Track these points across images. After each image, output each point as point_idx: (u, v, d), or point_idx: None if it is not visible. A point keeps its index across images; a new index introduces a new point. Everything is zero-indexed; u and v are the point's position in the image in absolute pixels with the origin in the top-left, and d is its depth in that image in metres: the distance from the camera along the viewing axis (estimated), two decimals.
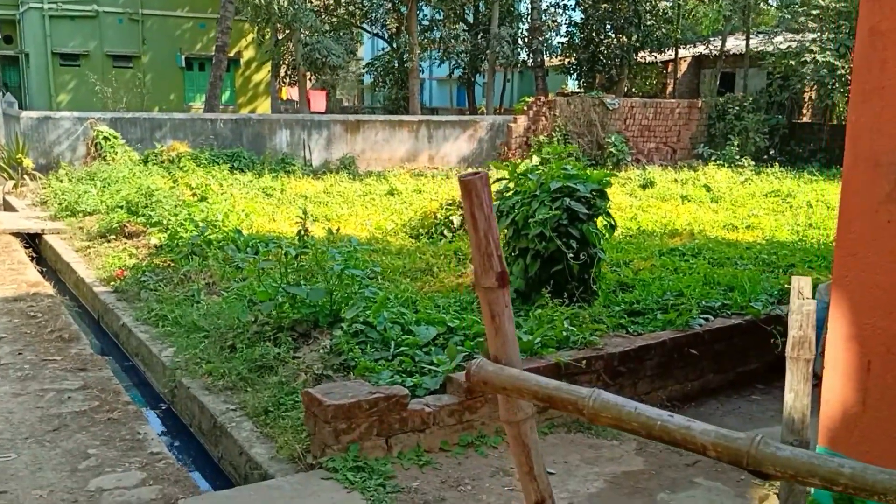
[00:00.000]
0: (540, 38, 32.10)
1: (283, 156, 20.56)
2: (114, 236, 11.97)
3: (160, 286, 8.90)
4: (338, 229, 8.06)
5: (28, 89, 34.16)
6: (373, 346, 6.13)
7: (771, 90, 27.67)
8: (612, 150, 23.89)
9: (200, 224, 10.29)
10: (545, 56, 33.62)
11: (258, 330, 6.92)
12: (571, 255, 7.22)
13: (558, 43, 33.55)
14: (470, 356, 5.76)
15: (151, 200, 13.05)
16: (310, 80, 34.82)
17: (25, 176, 18.13)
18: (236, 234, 9.72)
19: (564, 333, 6.08)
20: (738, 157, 23.29)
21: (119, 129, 19.65)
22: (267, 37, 31.89)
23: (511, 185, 8.13)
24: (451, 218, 11.50)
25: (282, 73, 37.57)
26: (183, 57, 32.16)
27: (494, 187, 8.49)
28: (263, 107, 33.71)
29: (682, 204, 16.02)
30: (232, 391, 6.19)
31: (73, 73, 30.93)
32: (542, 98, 25.47)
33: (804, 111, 30.45)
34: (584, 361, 5.77)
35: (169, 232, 10.48)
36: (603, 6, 30.99)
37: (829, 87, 24.51)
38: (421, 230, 11.66)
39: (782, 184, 18.77)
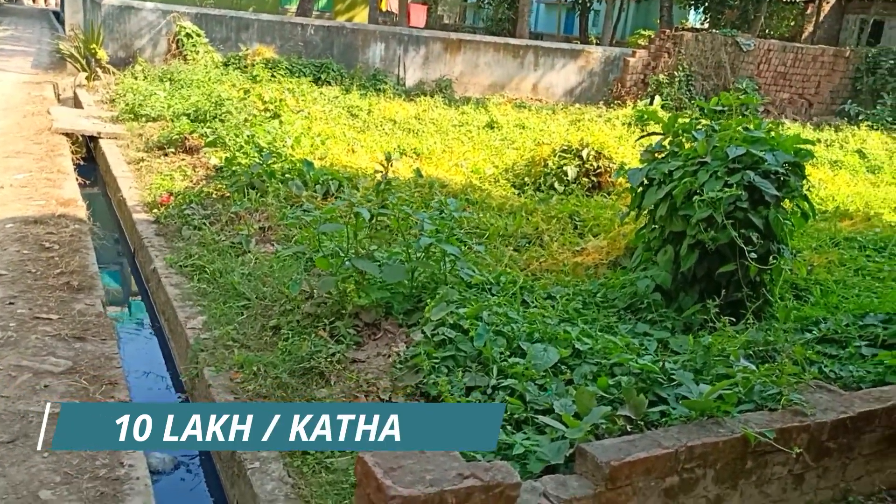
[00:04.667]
0: None
1: (375, 71, 18.62)
2: (172, 149, 10.38)
3: (205, 225, 7.22)
4: (430, 185, 6.12)
5: None
6: (465, 367, 4.29)
7: None
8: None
9: (264, 150, 8.53)
10: None
11: (312, 311, 5.15)
12: (752, 252, 5.15)
13: None
14: (613, 407, 3.85)
15: (221, 111, 11.41)
16: None
17: (98, 69, 16.74)
18: (305, 165, 7.92)
19: (752, 381, 4.08)
20: (889, 118, 20.16)
21: (204, 27, 18.04)
22: None
23: (666, 142, 6.04)
24: (564, 168, 9.43)
25: None
26: None
27: (643, 143, 6.41)
28: (361, 16, 31.67)
29: (834, 172, 13.46)
30: (264, 401, 4.47)
31: None
32: (668, 31, 22.60)
33: None
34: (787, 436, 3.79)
35: (227, 155, 8.76)
36: None
37: None
38: (527, 179, 9.65)
39: None
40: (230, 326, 5.29)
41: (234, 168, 8.27)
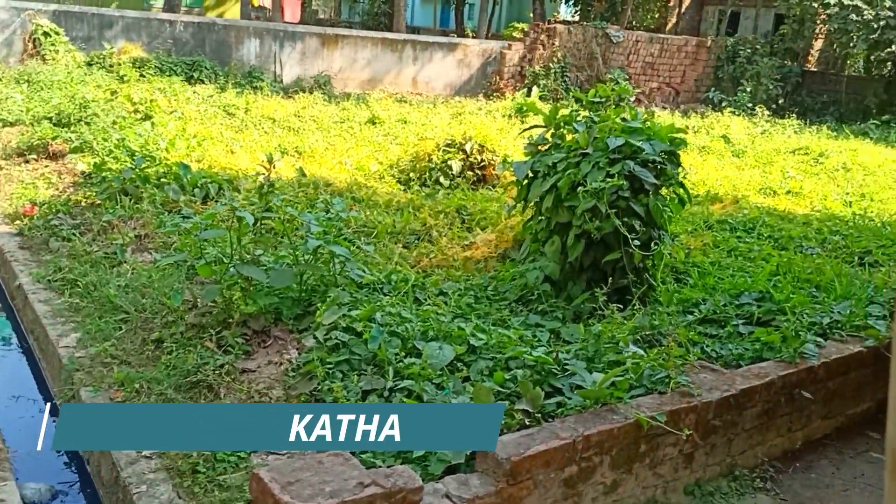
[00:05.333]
0: None
1: (251, 69, 18.13)
2: (34, 156, 9.73)
3: (75, 235, 6.81)
4: (314, 185, 5.98)
5: None
6: (360, 371, 4.20)
7: (784, 33, 25.58)
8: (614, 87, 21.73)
9: (136, 153, 8.13)
10: None
11: (196, 321, 4.93)
12: (636, 239, 5.29)
13: None
14: (511, 401, 3.86)
15: (86, 114, 10.80)
16: None
17: None
18: (182, 169, 7.60)
19: (642, 367, 4.18)
20: (749, 104, 21.33)
21: (63, 25, 17.07)
22: None
23: (548, 134, 6.13)
24: (449, 163, 9.45)
25: None
26: None
27: (526, 135, 6.48)
28: (232, 12, 30.75)
29: (702, 157, 14.09)
30: None
31: None
32: (541, 24, 23.10)
33: (809, 58, 28.46)
34: (677, 418, 3.91)
35: (96, 161, 8.30)
36: None
37: (853, 34, 22.44)
38: (412, 174, 9.62)
39: (806, 139, 16.85)
40: (108, 342, 5.00)
41: (104, 174, 7.84)
